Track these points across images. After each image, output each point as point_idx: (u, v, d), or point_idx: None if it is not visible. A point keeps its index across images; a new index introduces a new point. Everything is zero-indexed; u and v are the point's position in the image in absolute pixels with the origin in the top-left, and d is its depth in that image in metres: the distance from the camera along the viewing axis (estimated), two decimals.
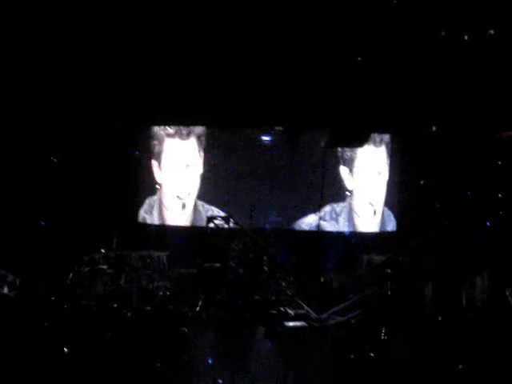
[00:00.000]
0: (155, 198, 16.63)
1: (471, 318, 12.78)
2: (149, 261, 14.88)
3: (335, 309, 13.43)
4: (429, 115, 15.67)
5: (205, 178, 16.56)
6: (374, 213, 16.80)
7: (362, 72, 14.71)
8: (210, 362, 11.71)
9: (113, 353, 11.61)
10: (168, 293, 14.14)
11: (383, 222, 17.00)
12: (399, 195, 16.93)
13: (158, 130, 16.59)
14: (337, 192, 16.69)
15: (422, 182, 16.32)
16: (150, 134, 16.62)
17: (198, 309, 13.30)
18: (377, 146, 16.72)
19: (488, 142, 15.57)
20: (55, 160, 15.44)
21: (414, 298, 13.27)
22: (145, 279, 14.25)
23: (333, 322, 13.12)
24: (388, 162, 16.89)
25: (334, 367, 11.83)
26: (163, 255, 15.06)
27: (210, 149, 16.58)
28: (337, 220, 16.60)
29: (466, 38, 14.18)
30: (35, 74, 14.52)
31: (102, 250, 14.58)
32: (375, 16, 14.09)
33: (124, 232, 15.53)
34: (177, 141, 16.50)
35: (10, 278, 13.34)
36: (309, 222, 16.48)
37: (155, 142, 16.54)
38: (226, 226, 14.54)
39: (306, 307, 13.54)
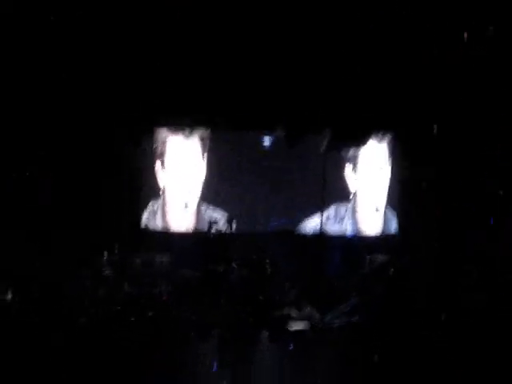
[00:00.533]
0: (159, 202, 16.61)
1: (473, 319, 12.73)
2: (151, 265, 14.85)
3: (339, 310, 13.42)
4: (430, 115, 15.68)
5: (206, 182, 16.54)
6: (377, 209, 16.82)
7: (362, 72, 14.70)
8: (214, 366, 11.75)
9: (116, 358, 11.64)
10: (172, 297, 14.09)
11: (386, 222, 17.01)
12: (401, 196, 16.93)
13: (160, 129, 16.58)
14: (341, 192, 16.66)
15: (424, 183, 16.34)
16: (152, 136, 16.57)
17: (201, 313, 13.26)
18: (379, 142, 16.72)
19: (490, 141, 15.59)
20: (54, 164, 15.40)
21: (416, 299, 13.24)
22: (148, 284, 14.20)
23: (337, 323, 13.11)
24: (390, 161, 16.89)
25: (338, 369, 11.87)
26: (166, 259, 15.04)
27: (211, 152, 16.56)
28: (341, 221, 16.60)
29: (465, 35, 14.16)
30: (32, 75, 14.54)
31: (105, 255, 14.54)
32: (373, 16, 14.08)
33: (127, 236, 15.53)
34: (180, 139, 16.51)
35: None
36: (313, 223, 16.42)
37: (158, 142, 16.54)
38: (228, 229, 14.54)
39: (309, 309, 13.52)
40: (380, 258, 15.35)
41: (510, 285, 13.69)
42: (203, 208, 16.46)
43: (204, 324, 12.80)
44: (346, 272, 15.35)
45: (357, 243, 16.45)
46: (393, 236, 16.90)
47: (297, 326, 12.97)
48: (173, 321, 13.09)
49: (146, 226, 16.62)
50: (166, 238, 16.36)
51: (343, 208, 16.64)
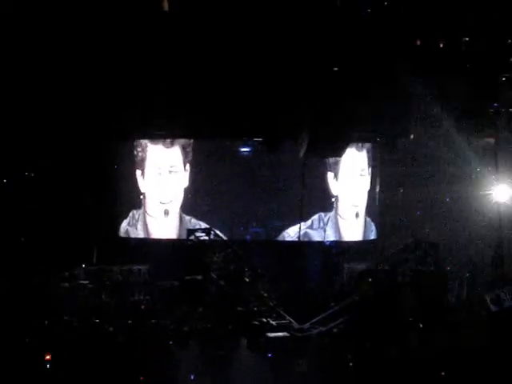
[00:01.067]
0: (139, 211, 16.56)
1: (452, 323, 12.81)
2: (130, 275, 14.80)
3: (317, 318, 13.45)
4: (405, 124, 15.80)
5: (186, 190, 16.51)
6: (357, 215, 16.89)
7: (339, 82, 14.74)
8: (193, 373, 11.74)
9: (96, 367, 11.61)
10: (150, 306, 14.06)
11: (365, 230, 17.08)
12: (380, 204, 17.02)
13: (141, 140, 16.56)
14: (322, 200, 16.72)
15: (401, 191, 16.48)
16: (132, 145, 16.55)
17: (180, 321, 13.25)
18: (358, 151, 16.85)
19: (466, 148, 15.73)
20: (32, 174, 15.35)
21: (394, 306, 13.29)
22: (126, 293, 14.17)
23: (315, 331, 13.13)
24: (369, 169, 16.99)
25: (317, 376, 11.89)
26: (144, 269, 15.00)
27: (192, 160, 16.56)
28: (324, 229, 16.62)
29: (441, 45, 14.26)
30: (17, 85, 14.53)
31: (83, 265, 14.50)
32: (351, 26, 14.14)
33: (105, 246, 15.48)
34: (160, 147, 16.49)
35: None
36: (296, 230, 16.44)
37: (138, 150, 16.50)
38: (207, 238, 14.51)
39: (287, 317, 13.54)
40: (358, 266, 15.38)
41: (488, 290, 13.83)
42: (187, 220, 16.41)
43: (183, 332, 12.81)
44: (325, 280, 15.39)
45: (336, 251, 16.48)
46: (372, 242, 16.97)
47: (275, 333, 13.01)
48: (151, 329, 13.10)
49: (125, 234, 16.57)
50: (145, 247, 16.29)
51: (326, 216, 16.67)
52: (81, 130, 15.51)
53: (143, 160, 16.50)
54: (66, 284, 13.86)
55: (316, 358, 12.45)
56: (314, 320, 13.43)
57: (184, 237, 15.56)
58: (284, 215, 16.51)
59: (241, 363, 12.35)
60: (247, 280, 13.93)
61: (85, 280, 14.21)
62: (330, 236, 16.70)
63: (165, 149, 16.46)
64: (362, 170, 17.01)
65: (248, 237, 16.31)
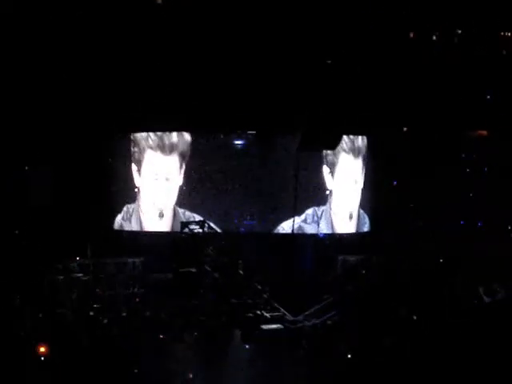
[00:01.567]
0: (133, 205, 16.54)
1: (446, 315, 12.86)
2: (124, 267, 14.81)
3: (311, 310, 13.50)
4: (400, 116, 15.84)
5: (181, 185, 16.50)
6: (350, 216, 16.92)
7: (333, 75, 14.77)
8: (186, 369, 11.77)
9: (91, 359, 11.62)
10: (144, 299, 14.09)
11: (359, 223, 17.11)
12: (373, 196, 17.05)
13: (140, 138, 16.46)
14: (317, 193, 16.73)
15: (395, 183, 16.50)
16: (128, 140, 16.51)
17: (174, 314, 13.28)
18: (355, 157, 16.86)
19: (458, 142, 15.80)
20: (27, 168, 15.36)
21: (388, 298, 13.33)
22: (120, 286, 14.19)
23: (309, 323, 13.18)
24: (363, 168, 17.01)
25: (312, 368, 11.92)
26: (138, 261, 15.01)
27: (188, 161, 16.54)
28: (317, 222, 16.63)
29: (434, 38, 14.29)
30: (15, 82, 14.53)
31: (77, 258, 14.49)
32: (345, 19, 14.16)
33: (99, 239, 15.47)
34: (158, 155, 16.38)
35: None
36: (290, 224, 16.44)
37: (135, 150, 16.43)
38: (201, 230, 14.54)
39: (281, 310, 13.57)
40: (352, 258, 15.43)
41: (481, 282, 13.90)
42: (181, 213, 16.40)
43: (177, 325, 12.83)
44: (319, 272, 15.41)
45: (330, 243, 16.50)
46: (366, 235, 17.01)
47: (269, 326, 13.04)
48: (145, 322, 13.13)
49: (119, 228, 16.58)
50: (140, 239, 16.31)
51: (319, 210, 16.68)
52: (75, 122, 15.55)
53: (140, 161, 16.43)
54: (61, 277, 13.86)
55: (310, 349, 12.47)
56: (307, 312, 13.48)
57: (178, 229, 15.61)
58: (278, 208, 16.51)
59: (235, 355, 12.37)
60: (241, 272, 13.97)
61: (79, 273, 14.21)
62: (324, 230, 16.72)
63: (163, 156, 16.37)
64: (357, 178, 17.02)
65: (242, 229, 16.32)
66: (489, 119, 15.48)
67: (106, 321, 12.97)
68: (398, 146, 16.13)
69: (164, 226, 16.46)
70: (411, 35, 14.47)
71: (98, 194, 15.93)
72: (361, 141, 16.89)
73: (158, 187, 16.44)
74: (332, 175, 16.73)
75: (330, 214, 16.75)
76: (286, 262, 15.41)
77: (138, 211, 16.51)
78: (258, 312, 13.36)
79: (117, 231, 16.50)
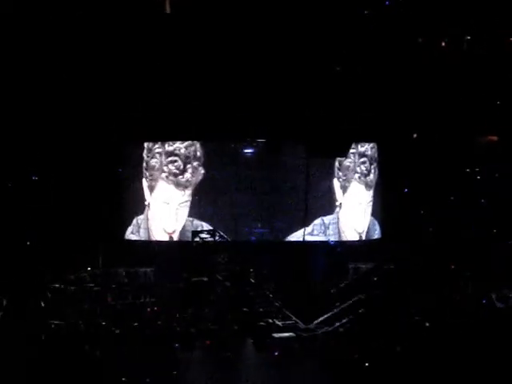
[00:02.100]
0: (142, 216, 16.53)
1: (459, 322, 12.80)
2: (135, 277, 14.83)
3: (322, 318, 13.46)
4: (410, 123, 15.82)
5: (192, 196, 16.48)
6: (360, 237, 16.90)
7: (342, 83, 14.77)
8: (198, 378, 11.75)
9: (102, 369, 11.61)
10: (156, 308, 14.08)
11: (369, 231, 17.05)
12: (384, 204, 17.00)
13: (154, 164, 16.39)
14: (326, 203, 16.71)
15: (405, 190, 16.46)
16: (141, 151, 16.53)
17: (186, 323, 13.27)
18: (367, 189, 16.90)
19: (469, 148, 15.76)
20: (36, 178, 15.40)
21: (400, 305, 13.30)
22: (132, 295, 14.19)
23: (321, 331, 13.14)
24: (373, 171, 16.98)
25: (323, 376, 11.88)
26: (150, 271, 15.02)
27: (197, 164, 16.51)
28: (325, 232, 16.59)
29: (443, 44, 14.28)
30: (25, 90, 14.59)
31: (88, 268, 14.52)
32: (354, 26, 14.17)
33: (110, 249, 15.50)
34: (172, 188, 16.31)
35: None
36: (298, 234, 16.43)
37: (148, 174, 16.38)
38: (212, 239, 14.53)
39: (293, 318, 13.54)
40: (363, 265, 15.40)
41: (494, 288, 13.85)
42: (189, 221, 16.35)
43: (189, 334, 12.81)
44: (331, 280, 15.37)
45: (340, 252, 16.45)
46: (376, 242, 16.96)
47: (281, 334, 13.01)
48: (157, 332, 13.11)
49: (130, 238, 16.57)
50: (151, 249, 16.29)
51: (328, 219, 16.64)
52: (87, 134, 15.60)
53: (151, 184, 16.43)
54: (72, 287, 13.89)
55: (322, 357, 12.42)
56: (319, 320, 13.45)
57: (185, 238, 15.60)
58: (288, 216, 16.48)
59: (247, 364, 12.34)
60: (252, 281, 13.95)
61: (90, 283, 14.23)
62: (333, 238, 16.67)
63: (177, 190, 16.31)
64: (368, 206, 16.96)
65: (253, 238, 16.29)
66: (499, 124, 15.44)
67: (117, 331, 12.94)
68: (407, 152, 16.08)
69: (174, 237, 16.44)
70: (420, 41, 14.44)
71: (109, 204, 15.96)
72: (372, 175, 16.91)
73: (168, 213, 16.36)
74: (343, 193, 16.73)
75: (339, 225, 16.72)
76: (298, 270, 15.40)
77: (146, 224, 16.49)
78: (270, 320, 13.35)
79: (127, 241, 16.49)
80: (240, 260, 14.28)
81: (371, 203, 16.98)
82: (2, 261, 13.96)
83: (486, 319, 12.82)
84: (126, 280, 14.67)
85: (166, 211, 16.36)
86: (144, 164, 16.41)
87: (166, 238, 16.29)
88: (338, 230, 16.71)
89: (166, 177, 16.23)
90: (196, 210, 16.37)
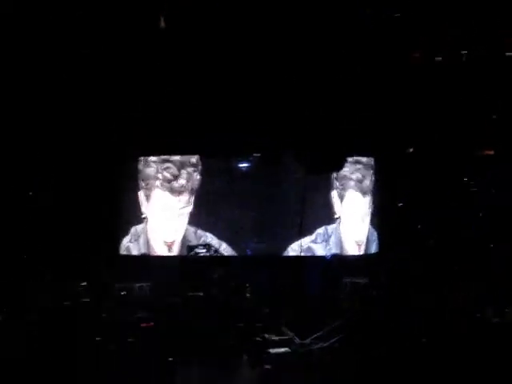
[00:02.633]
0: (141, 226, 16.52)
1: (456, 339, 12.75)
2: (131, 292, 14.80)
3: (319, 334, 13.42)
4: (407, 137, 15.83)
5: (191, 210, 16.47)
6: (359, 247, 16.87)
7: (338, 97, 14.79)
8: None
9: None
10: (152, 323, 14.03)
11: (368, 243, 17.05)
12: (381, 217, 17.01)
13: (149, 174, 16.46)
14: (327, 213, 16.69)
15: (400, 204, 16.47)
16: (135, 168, 16.52)
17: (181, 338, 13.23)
18: (363, 196, 16.96)
19: (466, 161, 15.75)
20: (30, 193, 15.40)
21: (397, 320, 13.25)
22: (127, 310, 14.15)
23: (316, 346, 13.11)
24: (371, 183, 16.98)
25: None
26: (146, 285, 15.00)
27: (194, 178, 16.52)
28: (327, 241, 16.61)
29: (439, 59, 14.28)
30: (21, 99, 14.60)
31: (84, 283, 14.50)
32: (350, 41, 14.17)
33: (106, 263, 15.49)
34: (167, 195, 16.39)
35: None
36: (300, 244, 16.42)
37: (143, 185, 16.46)
38: (208, 254, 14.54)
39: (289, 333, 13.52)
40: (360, 280, 15.37)
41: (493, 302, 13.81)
42: (192, 232, 16.33)
43: (185, 348, 12.79)
44: (327, 295, 15.35)
45: (337, 266, 16.43)
46: (374, 256, 16.94)
47: (277, 349, 12.98)
48: (153, 347, 13.07)
49: (126, 251, 16.55)
50: (147, 263, 16.28)
51: (330, 228, 16.66)
52: (83, 146, 15.61)
53: (148, 193, 16.42)
54: (67, 302, 13.85)
55: (318, 373, 12.39)
56: (315, 335, 13.41)
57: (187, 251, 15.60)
58: (286, 230, 16.47)
59: (243, 379, 12.32)
60: (248, 296, 13.94)
61: (86, 298, 14.20)
62: (333, 249, 16.68)
63: (172, 197, 16.37)
64: (365, 215, 17.05)
65: (249, 252, 16.29)
66: (495, 139, 15.44)
67: (113, 346, 12.91)
68: (404, 165, 16.08)
69: (173, 248, 16.41)
70: (417, 55, 14.44)
71: (104, 217, 15.96)
72: (368, 181, 17.01)
73: (166, 223, 16.42)
74: (340, 202, 16.73)
75: (340, 233, 16.73)
76: (294, 284, 15.37)
77: (145, 233, 16.49)
78: (266, 335, 13.33)
79: (124, 255, 16.48)
80: (236, 274, 14.28)
81: (369, 211, 16.94)
82: None
83: (481, 334, 12.76)
84: (121, 294, 14.63)
85: (163, 220, 16.39)
86: (139, 175, 16.38)
87: (165, 250, 16.29)
88: (340, 237, 16.72)
89: (161, 184, 16.31)
90: (196, 220, 16.32)
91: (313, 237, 16.49)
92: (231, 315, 13.57)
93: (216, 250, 14.75)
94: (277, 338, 13.39)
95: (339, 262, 16.56)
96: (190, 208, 16.39)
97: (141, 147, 16.29)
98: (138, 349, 13.06)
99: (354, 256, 16.89)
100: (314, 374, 12.33)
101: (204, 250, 14.58)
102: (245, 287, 14.09)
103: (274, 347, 13.03)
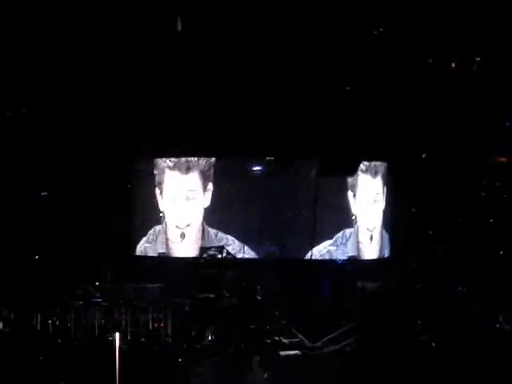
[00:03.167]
0: (160, 227, 16.56)
1: (465, 343, 12.75)
2: (144, 293, 14.84)
3: (329, 337, 13.45)
4: (419, 142, 15.83)
5: (208, 208, 16.48)
6: (371, 238, 16.86)
7: (352, 101, 14.82)
8: None
9: None
10: (163, 325, 14.09)
11: (381, 245, 17.03)
12: (393, 222, 17.00)
13: (160, 161, 16.53)
14: (345, 217, 16.74)
15: (413, 210, 16.45)
16: (151, 163, 16.59)
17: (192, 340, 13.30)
18: (373, 177, 16.85)
19: (478, 168, 15.75)
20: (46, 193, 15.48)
21: (407, 325, 13.27)
22: (139, 311, 14.19)
23: (327, 350, 13.13)
24: (384, 189, 16.98)
25: None
26: (157, 287, 15.03)
27: (214, 180, 16.51)
28: (345, 245, 16.60)
29: (452, 65, 14.30)
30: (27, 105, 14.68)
31: (97, 283, 14.56)
32: (363, 45, 14.21)
33: (119, 264, 15.55)
34: (176, 174, 16.41)
35: (5, 312, 13.37)
36: (320, 249, 16.41)
37: (156, 172, 16.52)
38: (220, 256, 14.58)
39: (300, 336, 13.54)
40: (371, 284, 15.36)
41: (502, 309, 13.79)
42: (213, 234, 16.31)
43: (195, 351, 12.84)
44: (338, 298, 15.36)
45: (349, 270, 16.43)
46: (387, 260, 16.93)
47: (287, 352, 13.00)
48: (165, 348, 13.14)
49: (143, 252, 16.59)
50: (160, 264, 16.30)
51: (348, 232, 16.66)
52: (97, 147, 15.68)
53: (161, 183, 16.49)
54: (79, 302, 13.93)
55: (329, 375, 12.40)
56: (326, 338, 13.44)
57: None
58: (302, 234, 16.45)
59: (253, 382, 12.34)
60: (259, 298, 13.96)
61: (98, 298, 14.26)
62: (350, 252, 16.65)
63: (181, 175, 16.42)
64: (377, 195, 17.00)
65: (261, 255, 16.28)
66: (509, 146, 15.42)
67: (124, 346, 12.95)
68: (417, 171, 16.08)
69: (191, 248, 16.43)
70: (431, 62, 14.46)
71: (119, 218, 16.02)
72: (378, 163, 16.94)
73: (177, 208, 16.45)
74: (355, 198, 16.75)
75: (357, 236, 16.73)
76: (305, 287, 15.38)
77: (164, 233, 16.52)
78: (276, 338, 13.35)
79: (136, 256, 16.52)
80: (247, 277, 14.30)
81: (383, 195, 17.00)
82: (10, 274, 14.02)
83: (492, 341, 12.76)
84: (133, 295, 14.67)
85: (175, 207, 16.45)
86: (153, 166, 16.57)
87: (178, 238, 16.34)
88: (357, 239, 16.76)
89: (171, 163, 16.37)
90: (217, 222, 16.35)
91: (332, 241, 16.48)
92: (242, 317, 13.59)
93: (228, 253, 14.76)
94: (287, 341, 13.42)
95: (352, 266, 16.51)
96: (201, 195, 16.37)
97: (155, 149, 16.32)
98: (150, 349, 13.16)
99: (368, 260, 16.82)
100: (324, 376, 12.36)
101: (216, 252, 14.60)
102: (255, 289, 14.09)
103: (284, 350, 13.07)
